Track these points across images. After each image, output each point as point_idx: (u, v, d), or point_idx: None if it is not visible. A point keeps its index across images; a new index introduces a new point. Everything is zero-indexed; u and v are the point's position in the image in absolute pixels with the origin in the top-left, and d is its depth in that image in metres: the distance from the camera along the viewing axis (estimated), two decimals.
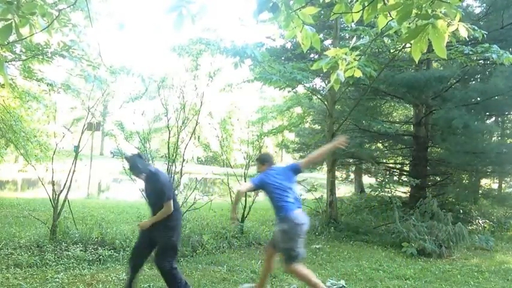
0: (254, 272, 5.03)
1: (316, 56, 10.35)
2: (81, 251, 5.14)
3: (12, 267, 4.58)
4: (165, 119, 6.77)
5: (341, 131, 9.46)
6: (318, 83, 10.67)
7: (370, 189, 10.34)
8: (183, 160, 6.81)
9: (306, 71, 7.66)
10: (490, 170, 11.36)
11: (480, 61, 7.77)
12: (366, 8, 2.26)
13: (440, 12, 2.08)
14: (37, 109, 9.73)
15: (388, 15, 2.32)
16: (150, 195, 3.91)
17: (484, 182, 13.80)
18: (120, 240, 5.51)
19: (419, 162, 10.35)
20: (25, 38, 2.56)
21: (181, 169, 6.69)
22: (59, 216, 5.70)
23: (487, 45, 6.20)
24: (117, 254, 5.21)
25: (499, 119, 13.06)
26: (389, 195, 8.20)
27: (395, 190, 9.25)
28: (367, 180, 17.77)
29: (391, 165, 13.25)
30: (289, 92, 10.51)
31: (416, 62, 2.88)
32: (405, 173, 11.80)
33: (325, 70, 3.00)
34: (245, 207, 7.06)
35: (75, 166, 5.92)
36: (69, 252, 5.07)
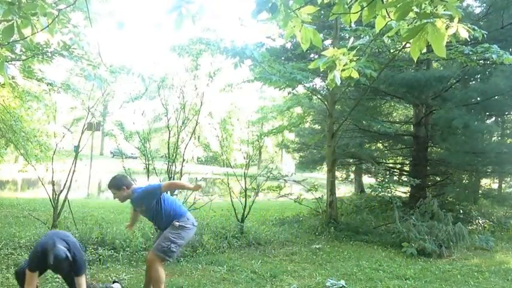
0: (254, 272, 5.03)
1: (316, 56, 10.34)
2: None
3: (12, 267, 4.57)
4: (165, 119, 6.78)
5: (341, 131, 9.46)
6: (318, 83, 10.66)
7: (370, 189, 10.33)
8: (183, 160, 6.82)
9: (306, 71, 7.65)
10: (490, 170, 11.36)
11: (480, 61, 7.74)
12: (365, 9, 2.26)
13: (441, 11, 2.07)
14: (37, 109, 9.73)
15: (387, 16, 2.31)
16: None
17: (484, 182, 13.79)
18: (120, 240, 5.49)
19: (419, 162, 10.35)
20: (26, 38, 2.56)
21: (181, 169, 6.69)
22: (59, 216, 5.71)
23: (487, 45, 6.19)
24: (117, 254, 5.20)
25: (499, 119, 13.03)
26: (389, 195, 8.18)
27: (395, 190, 9.24)
28: (367, 180, 17.75)
29: (391, 165, 13.22)
30: (289, 93, 10.50)
31: (415, 61, 2.88)
32: (405, 173, 11.79)
33: (322, 70, 3.00)
34: (245, 207, 7.06)
35: (75, 166, 5.93)
36: None
